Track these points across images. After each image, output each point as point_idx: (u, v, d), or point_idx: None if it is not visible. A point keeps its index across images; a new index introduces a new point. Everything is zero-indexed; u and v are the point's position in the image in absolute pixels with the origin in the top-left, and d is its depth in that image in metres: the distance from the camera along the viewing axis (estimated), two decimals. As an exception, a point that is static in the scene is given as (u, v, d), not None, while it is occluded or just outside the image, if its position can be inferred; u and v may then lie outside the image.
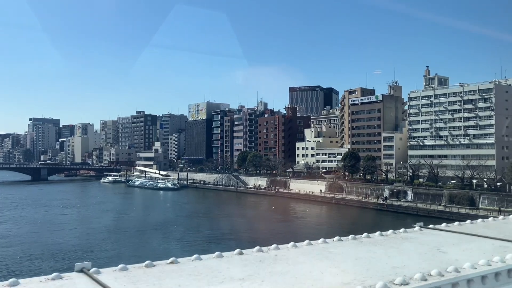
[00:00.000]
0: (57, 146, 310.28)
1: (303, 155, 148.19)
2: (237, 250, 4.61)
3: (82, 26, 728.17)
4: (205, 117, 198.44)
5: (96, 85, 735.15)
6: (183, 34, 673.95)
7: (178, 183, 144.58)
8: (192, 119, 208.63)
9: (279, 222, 75.66)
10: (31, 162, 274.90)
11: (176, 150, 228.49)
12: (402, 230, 6.00)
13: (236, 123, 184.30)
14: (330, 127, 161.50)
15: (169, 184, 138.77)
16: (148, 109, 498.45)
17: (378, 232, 5.76)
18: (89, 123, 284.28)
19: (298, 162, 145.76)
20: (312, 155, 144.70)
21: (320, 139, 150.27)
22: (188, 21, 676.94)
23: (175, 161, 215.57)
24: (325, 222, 76.60)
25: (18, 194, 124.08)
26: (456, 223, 6.53)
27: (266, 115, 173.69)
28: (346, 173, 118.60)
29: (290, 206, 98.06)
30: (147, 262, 4.06)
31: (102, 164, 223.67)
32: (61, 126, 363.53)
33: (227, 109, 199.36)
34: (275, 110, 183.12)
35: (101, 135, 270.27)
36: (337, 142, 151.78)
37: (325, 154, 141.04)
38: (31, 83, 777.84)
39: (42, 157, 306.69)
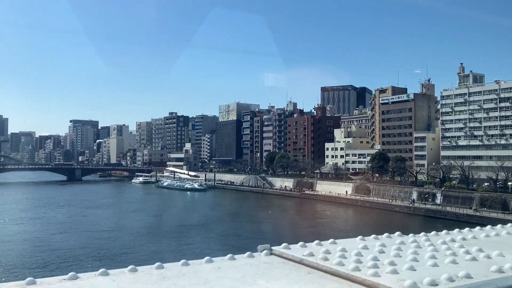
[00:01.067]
0: (95, 147, 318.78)
1: (332, 156, 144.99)
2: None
3: (122, 30, 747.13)
4: (235, 118, 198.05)
5: (133, 87, 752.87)
6: (218, 37, 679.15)
7: (205, 183, 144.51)
8: (222, 120, 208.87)
9: (299, 224, 73.57)
10: (70, 163, 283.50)
11: (208, 151, 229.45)
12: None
13: (265, 123, 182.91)
14: (361, 127, 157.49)
15: (196, 185, 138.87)
16: (181, 111, 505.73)
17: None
18: (124, 125, 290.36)
19: (327, 163, 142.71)
20: (342, 156, 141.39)
21: (350, 139, 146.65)
22: (223, 23, 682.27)
23: (207, 161, 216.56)
24: (344, 226, 73.78)
25: (52, 194, 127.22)
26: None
27: (295, 115, 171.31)
28: (376, 175, 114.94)
29: (313, 208, 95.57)
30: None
31: (135, 164, 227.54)
32: (99, 127, 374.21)
33: (257, 109, 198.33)
34: (305, 111, 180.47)
35: (136, 136, 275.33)
36: (367, 142, 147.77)
37: (355, 155, 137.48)
38: (73, 86, 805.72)
39: (80, 158, 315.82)
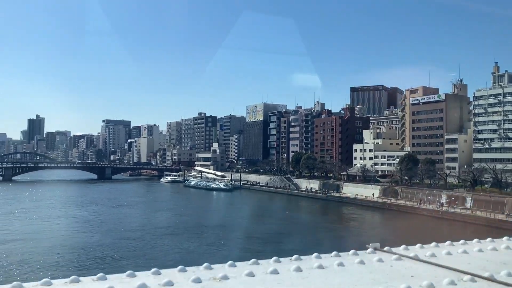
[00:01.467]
0: (126, 147, 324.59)
1: (360, 158, 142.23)
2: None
3: (153, 33, 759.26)
4: (262, 118, 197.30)
5: (164, 88, 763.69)
6: (246, 39, 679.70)
7: (231, 184, 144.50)
8: (249, 120, 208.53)
9: (324, 227, 72.14)
10: (102, 162, 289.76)
11: (236, 151, 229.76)
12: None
13: (292, 124, 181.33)
14: (391, 128, 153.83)
15: (221, 185, 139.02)
16: (210, 111, 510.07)
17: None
18: (154, 125, 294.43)
19: (355, 165, 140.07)
20: (370, 158, 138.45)
21: (379, 140, 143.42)
22: (252, 26, 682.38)
23: (235, 162, 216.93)
24: (372, 231, 71.79)
25: (81, 192, 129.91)
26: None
27: (323, 116, 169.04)
28: (405, 177, 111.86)
29: (338, 211, 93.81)
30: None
31: (165, 164, 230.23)
32: (131, 127, 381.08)
33: (284, 110, 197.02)
34: (334, 112, 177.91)
35: (166, 136, 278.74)
36: (397, 144, 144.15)
37: (384, 156, 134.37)
38: (106, 86, 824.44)
39: (111, 157, 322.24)
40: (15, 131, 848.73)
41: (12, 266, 42.14)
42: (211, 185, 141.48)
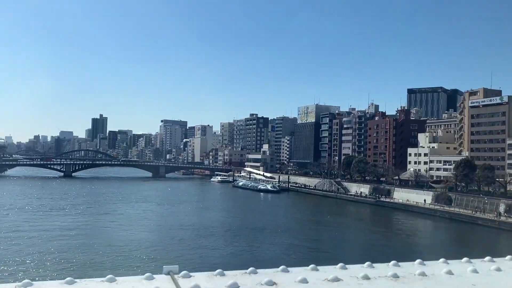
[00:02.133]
0: (181, 146, 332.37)
1: (415, 162, 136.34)
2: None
3: (209, 36, 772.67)
4: (313, 120, 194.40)
5: (219, 89, 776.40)
6: (299, 39, 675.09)
7: (278, 185, 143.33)
8: (301, 122, 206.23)
9: (371, 235, 69.41)
10: (159, 160, 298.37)
11: (287, 152, 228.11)
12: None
13: (345, 126, 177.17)
14: (448, 132, 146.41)
15: (269, 187, 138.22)
16: (262, 112, 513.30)
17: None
18: (208, 125, 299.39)
19: (409, 169, 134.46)
20: (425, 162, 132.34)
21: (435, 144, 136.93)
22: (306, 27, 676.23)
23: (286, 163, 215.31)
24: (423, 241, 68.06)
25: (134, 189, 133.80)
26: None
27: (376, 118, 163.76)
28: (461, 184, 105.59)
29: (388, 217, 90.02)
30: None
31: (216, 164, 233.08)
32: (187, 127, 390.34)
33: (336, 111, 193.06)
34: (389, 114, 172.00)
35: (219, 136, 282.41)
36: (455, 148, 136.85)
37: (440, 161, 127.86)
38: (165, 88, 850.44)
39: (167, 156, 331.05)
40: (81, 130, 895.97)
41: (75, 262, 43.45)
42: (259, 186, 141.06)
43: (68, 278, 3.37)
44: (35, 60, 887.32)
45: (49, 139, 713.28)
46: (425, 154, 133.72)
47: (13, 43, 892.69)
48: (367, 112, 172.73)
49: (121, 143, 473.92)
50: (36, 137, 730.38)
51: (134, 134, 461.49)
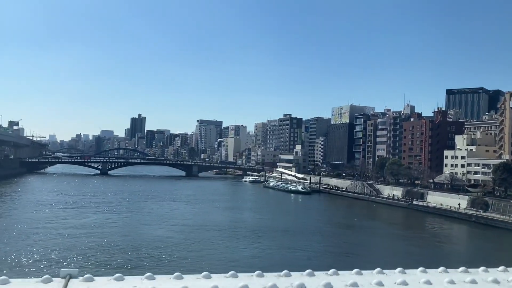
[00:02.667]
0: (216, 146, 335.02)
1: (451, 165, 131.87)
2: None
3: (243, 35, 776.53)
4: (347, 121, 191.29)
5: (253, 89, 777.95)
6: (333, 40, 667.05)
7: (309, 187, 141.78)
8: (334, 123, 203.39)
9: (401, 241, 67.39)
10: (194, 159, 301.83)
11: (322, 153, 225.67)
12: None
13: (379, 127, 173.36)
14: (487, 134, 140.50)
15: (299, 188, 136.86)
16: (296, 112, 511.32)
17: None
18: (242, 125, 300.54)
19: (445, 172, 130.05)
20: (462, 165, 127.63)
21: (473, 147, 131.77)
22: (339, 27, 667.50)
23: (320, 164, 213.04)
24: (446, 245, 65.38)
25: (164, 187, 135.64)
26: None
27: (412, 119, 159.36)
28: (500, 188, 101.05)
29: (420, 222, 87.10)
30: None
31: (249, 164, 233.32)
32: (222, 127, 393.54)
33: (371, 112, 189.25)
34: (427, 115, 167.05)
35: (252, 136, 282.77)
36: (495, 151, 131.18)
37: (478, 164, 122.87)
38: (201, 89, 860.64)
39: (202, 155, 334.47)
40: (121, 129, 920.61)
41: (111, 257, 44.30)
42: (289, 187, 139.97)
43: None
44: (78, 60, 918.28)
45: (90, 137, 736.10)
46: (462, 157, 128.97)
47: (57, 44, 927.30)
48: (403, 113, 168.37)
49: (158, 142, 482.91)
50: (78, 135, 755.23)
51: (170, 134, 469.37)
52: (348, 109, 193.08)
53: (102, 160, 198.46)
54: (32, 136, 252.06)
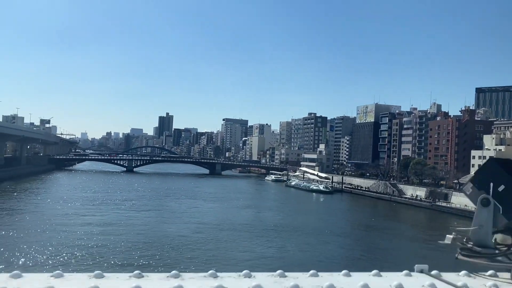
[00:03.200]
0: (240, 144, 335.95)
1: (479, 165, 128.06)
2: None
3: (264, 35, 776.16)
4: (372, 120, 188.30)
5: (279, 88, 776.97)
6: (358, 38, 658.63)
7: (331, 186, 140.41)
8: (359, 122, 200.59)
9: (416, 242, 65.99)
10: (219, 158, 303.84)
11: (347, 153, 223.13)
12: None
13: (405, 126, 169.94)
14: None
15: (321, 187, 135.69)
16: (321, 112, 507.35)
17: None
18: (266, 124, 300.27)
19: (471, 173, 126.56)
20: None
21: (502, 147, 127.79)
22: (363, 25, 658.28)
23: (345, 164, 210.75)
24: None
25: (187, 185, 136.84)
26: None
27: (438, 118, 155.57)
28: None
29: (439, 223, 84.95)
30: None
31: (273, 163, 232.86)
32: (248, 126, 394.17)
33: (397, 111, 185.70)
34: (455, 114, 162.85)
35: (276, 135, 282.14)
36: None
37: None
38: (228, 88, 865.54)
39: (227, 154, 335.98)
40: (150, 127, 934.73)
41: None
42: (311, 186, 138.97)
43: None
44: (110, 60, 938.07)
45: (120, 136, 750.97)
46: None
47: (88, 44, 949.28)
48: (429, 112, 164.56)
49: (185, 140, 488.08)
50: (108, 133, 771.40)
51: (197, 132, 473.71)
52: (373, 108, 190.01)
53: (127, 158, 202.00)
54: (62, 134, 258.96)
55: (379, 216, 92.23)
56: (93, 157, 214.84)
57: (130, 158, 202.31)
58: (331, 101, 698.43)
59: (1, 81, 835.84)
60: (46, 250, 44.17)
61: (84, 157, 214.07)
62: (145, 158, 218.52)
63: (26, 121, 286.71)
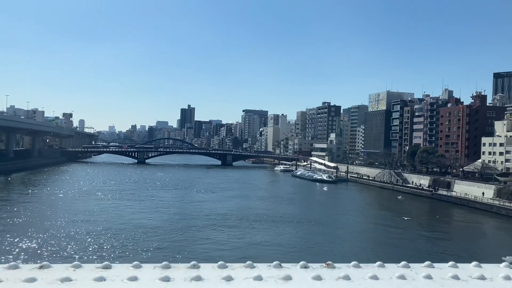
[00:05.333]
0: (258, 135, 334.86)
1: (489, 153, 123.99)
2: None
3: (290, 27, 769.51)
4: (384, 108, 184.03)
5: (298, 79, 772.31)
6: (370, 25, 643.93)
7: (335, 175, 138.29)
8: (371, 110, 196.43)
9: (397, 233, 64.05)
10: (238, 149, 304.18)
11: (362, 142, 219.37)
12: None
13: (416, 114, 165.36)
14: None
15: (324, 177, 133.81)
16: (335, 101, 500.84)
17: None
18: (282, 114, 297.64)
19: (483, 161, 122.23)
20: (501, 153, 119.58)
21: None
22: (375, 12, 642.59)
23: (359, 153, 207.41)
24: (444, 238, 61.12)
25: (191, 175, 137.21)
26: None
27: (449, 105, 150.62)
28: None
29: (434, 211, 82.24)
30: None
31: (287, 153, 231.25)
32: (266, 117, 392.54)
33: (409, 98, 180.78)
34: (467, 100, 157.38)
35: (292, 125, 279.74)
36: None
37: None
38: (248, 79, 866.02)
39: (244, 145, 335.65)
40: (174, 120, 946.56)
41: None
42: (314, 176, 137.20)
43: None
44: (136, 53, 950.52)
45: (146, 128, 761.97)
46: (501, 144, 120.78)
47: (115, 40, 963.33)
48: (440, 99, 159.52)
49: (205, 132, 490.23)
50: (133, 126, 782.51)
51: (216, 124, 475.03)
52: (385, 95, 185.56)
53: (140, 150, 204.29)
54: (77, 127, 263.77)
55: (373, 205, 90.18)
56: (105, 150, 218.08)
57: (142, 150, 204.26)
58: (346, 90, 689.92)
59: (29, 75, 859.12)
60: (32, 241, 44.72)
61: (97, 150, 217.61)
62: (158, 150, 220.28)
63: (49, 115, 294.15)
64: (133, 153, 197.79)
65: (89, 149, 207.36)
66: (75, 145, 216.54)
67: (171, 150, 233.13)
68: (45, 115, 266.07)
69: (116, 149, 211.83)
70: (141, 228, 52.46)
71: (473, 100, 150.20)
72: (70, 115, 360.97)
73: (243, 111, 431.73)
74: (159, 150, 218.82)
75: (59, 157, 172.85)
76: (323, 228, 59.67)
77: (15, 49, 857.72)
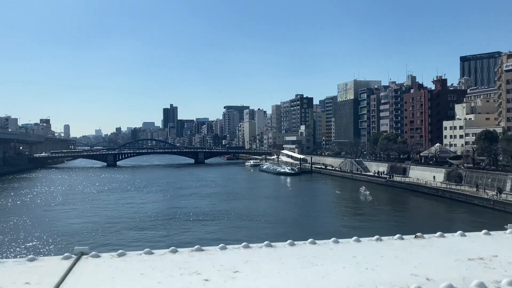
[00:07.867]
0: (237, 131, 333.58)
1: (451, 136, 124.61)
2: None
3: (272, 23, 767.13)
4: (352, 97, 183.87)
5: (274, 74, 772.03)
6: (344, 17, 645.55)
7: (299, 168, 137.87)
8: (340, 100, 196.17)
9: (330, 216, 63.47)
10: (218, 146, 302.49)
11: (335, 133, 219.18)
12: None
13: (382, 101, 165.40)
14: (488, 101, 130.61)
15: (287, 169, 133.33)
16: (310, 93, 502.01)
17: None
18: (258, 109, 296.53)
19: (445, 145, 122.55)
20: (461, 136, 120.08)
21: (471, 116, 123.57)
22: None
23: (331, 144, 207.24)
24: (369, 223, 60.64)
25: (153, 176, 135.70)
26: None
27: (412, 90, 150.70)
28: (484, 159, 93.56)
29: (380, 198, 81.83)
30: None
31: (262, 148, 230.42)
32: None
33: (375, 86, 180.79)
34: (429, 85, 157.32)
35: (267, 120, 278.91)
36: (495, 119, 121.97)
37: (474, 134, 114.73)
38: (230, 75, 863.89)
39: (223, 141, 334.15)
40: (159, 120, 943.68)
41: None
42: (278, 169, 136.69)
43: None
44: (115, 58, 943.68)
45: (132, 130, 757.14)
46: (461, 127, 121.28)
47: (99, 42, 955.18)
48: (404, 85, 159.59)
49: (187, 131, 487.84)
50: (118, 129, 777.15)
51: (198, 122, 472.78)
52: (353, 85, 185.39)
53: (109, 153, 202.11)
54: (55, 133, 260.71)
55: (323, 195, 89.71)
56: (76, 154, 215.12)
57: (111, 153, 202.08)
58: (325, 83, 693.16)
59: (10, 83, 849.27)
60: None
61: (66, 155, 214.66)
62: (130, 151, 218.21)
63: (25, 122, 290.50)
64: (103, 157, 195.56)
65: (57, 155, 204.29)
66: (47, 151, 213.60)
67: (141, 151, 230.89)
68: (22, 123, 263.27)
69: (87, 153, 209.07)
70: (70, 233, 51.34)
71: (434, 85, 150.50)
72: (47, 120, 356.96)
73: (224, 107, 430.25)
74: (131, 152, 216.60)
75: (26, 164, 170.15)
76: (243, 222, 58.90)
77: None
